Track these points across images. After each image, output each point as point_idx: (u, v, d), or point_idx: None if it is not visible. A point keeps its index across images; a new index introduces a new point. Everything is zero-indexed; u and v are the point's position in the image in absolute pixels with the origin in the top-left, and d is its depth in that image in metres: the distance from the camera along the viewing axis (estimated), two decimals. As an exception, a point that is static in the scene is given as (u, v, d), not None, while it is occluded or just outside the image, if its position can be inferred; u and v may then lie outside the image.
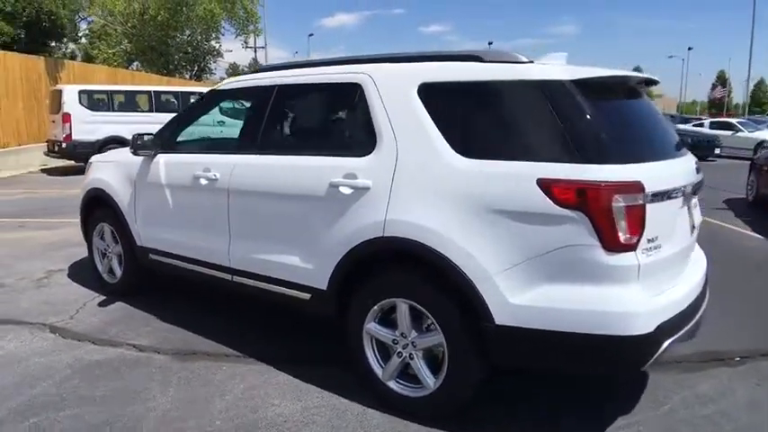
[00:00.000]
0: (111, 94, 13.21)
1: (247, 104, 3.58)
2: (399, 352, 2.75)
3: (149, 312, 4.20)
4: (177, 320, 4.01)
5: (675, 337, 2.38)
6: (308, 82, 3.25)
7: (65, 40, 18.07)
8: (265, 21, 36.84)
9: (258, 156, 3.29)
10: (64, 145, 12.41)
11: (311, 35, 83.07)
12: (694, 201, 2.85)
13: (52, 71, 15.88)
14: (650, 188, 2.28)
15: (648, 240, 2.30)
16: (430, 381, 2.67)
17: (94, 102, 12.79)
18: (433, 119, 2.61)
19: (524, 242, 2.33)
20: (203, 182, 3.51)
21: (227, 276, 3.51)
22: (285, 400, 2.95)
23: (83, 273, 5.04)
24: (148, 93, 13.68)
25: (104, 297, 4.53)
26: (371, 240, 2.69)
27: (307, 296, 3.06)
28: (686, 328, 2.48)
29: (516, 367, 2.62)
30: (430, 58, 2.79)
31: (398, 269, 2.71)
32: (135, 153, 3.90)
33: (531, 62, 2.52)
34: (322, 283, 2.94)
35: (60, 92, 12.52)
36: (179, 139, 3.99)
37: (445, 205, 2.49)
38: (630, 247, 2.24)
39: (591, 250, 2.23)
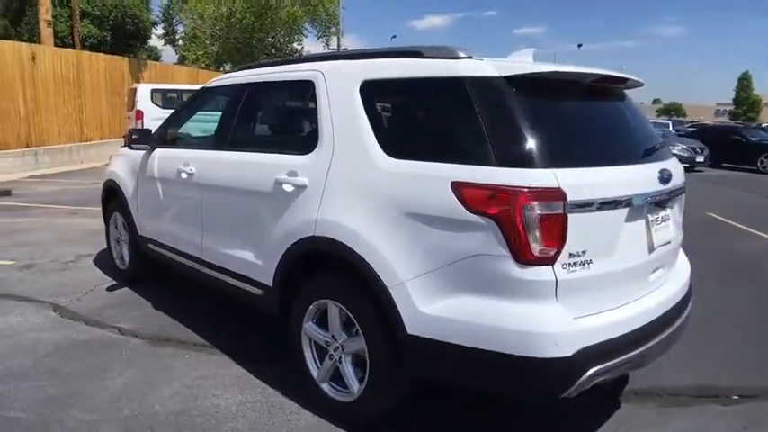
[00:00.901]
0: (180, 92, 14.07)
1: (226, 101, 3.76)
2: (331, 354, 2.77)
3: (147, 298, 4.48)
4: (168, 308, 4.25)
5: (609, 364, 2.18)
6: (272, 80, 3.35)
7: (148, 41, 19.41)
8: (341, 24, 37.60)
9: (225, 152, 3.44)
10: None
11: (394, 37, 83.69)
12: (664, 213, 2.61)
13: (134, 71, 17.20)
14: (576, 196, 2.11)
15: (571, 255, 2.13)
16: (355, 386, 2.66)
17: (166, 100, 13.69)
18: (368, 117, 2.61)
19: (437, 249, 2.25)
20: (183, 176, 3.71)
21: (201, 268, 3.67)
22: (227, 392, 3.05)
23: (105, 259, 5.43)
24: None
25: (114, 282, 4.88)
26: (305, 239, 2.73)
27: (259, 291, 3.14)
28: (628, 356, 2.26)
29: (436, 381, 2.53)
30: (376, 54, 2.78)
31: (328, 270, 2.73)
32: (130, 147, 4.17)
33: (470, 57, 2.39)
34: (269, 279, 3.02)
35: (135, 90, 13.53)
36: (173, 134, 4.22)
37: (367, 206, 2.47)
38: (546, 261, 2.09)
39: (502, 262, 2.10)
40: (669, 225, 2.64)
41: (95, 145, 15.24)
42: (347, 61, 2.89)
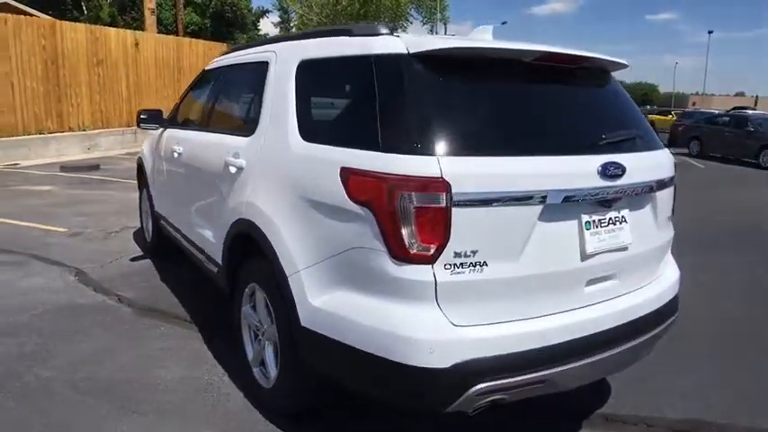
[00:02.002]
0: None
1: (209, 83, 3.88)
2: (260, 339, 2.77)
3: (159, 271, 4.75)
4: (173, 282, 4.47)
5: (502, 383, 1.95)
6: (238, 62, 3.40)
7: (258, 28, 20.46)
8: (448, 9, 37.08)
9: (198, 132, 3.56)
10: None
11: (504, 23, 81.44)
12: (615, 214, 2.26)
13: (234, 56, 18.19)
14: (463, 188, 1.88)
15: (457, 254, 1.90)
16: (272, 373, 2.64)
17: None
18: (295, 98, 2.55)
19: (326, 238, 2.15)
20: (175, 155, 3.88)
21: (187, 245, 3.83)
22: (178, 366, 3.15)
23: (143, 232, 5.84)
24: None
25: (140, 254, 5.23)
26: (237, 221, 2.74)
27: (215, 269, 3.22)
28: (532, 376, 2.00)
29: (334, 381, 2.36)
30: (318, 34, 2.70)
31: (256, 253, 2.72)
32: (139, 126, 4.42)
33: (390, 34, 2.21)
34: (220, 259, 3.08)
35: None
36: (180, 115, 4.41)
37: (279, 191, 2.43)
38: (425, 260, 1.88)
39: (378, 257, 1.94)
40: (624, 228, 2.28)
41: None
42: (295, 41, 2.84)
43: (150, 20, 14.95)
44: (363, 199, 1.98)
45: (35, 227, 6.09)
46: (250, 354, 2.88)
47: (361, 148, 2.05)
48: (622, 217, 2.28)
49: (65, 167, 10.24)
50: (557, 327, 2.08)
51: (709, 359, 3.48)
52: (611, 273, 2.27)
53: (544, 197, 2.02)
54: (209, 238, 3.24)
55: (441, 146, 1.92)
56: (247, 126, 2.98)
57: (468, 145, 1.98)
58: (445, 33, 40.92)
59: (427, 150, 1.90)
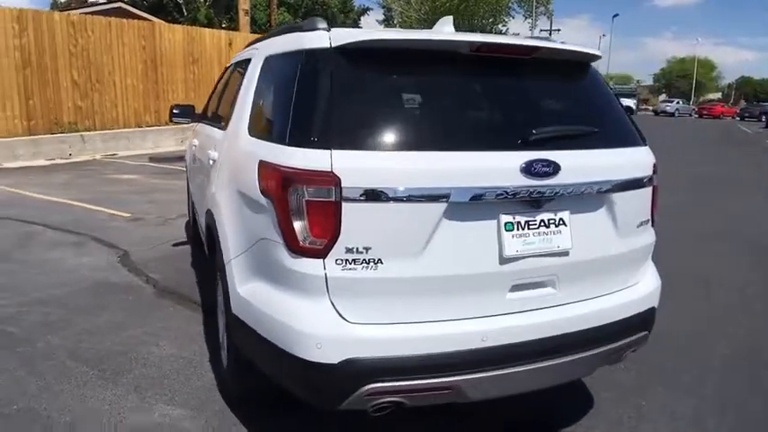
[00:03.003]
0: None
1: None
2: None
3: (192, 257, 5.09)
4: (199, 267, 4.78)
5: (395, 385, 1.92)
6: (239, 59, 3.57)
7: (338, 26, 21.11)
8: (552, 3, 35.69)
9: (205, 125, 3.79)
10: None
11: (616, 15, 77.42)
12: (549, 216, 2.10)
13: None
14: (356, 183, 1.86)
15: (349, 250, 1.89)
16: (225, 358, 2.77)
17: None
18: (254, 94, 2.67)
19: (248, 229, 2.25)
20: (193, 148, 4.17)
21: (201, 233, 4.09)
22: (171, 344, 3.38)
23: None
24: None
25: (184, 239, 5.63)
26: (207, 211, 2.92)
27: (207, 254, 3.42)
28: (432, 382, 1.95)
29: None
30: (285, 30, 2.77)
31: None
32: (171, 120, 4.75)
33: (326, 29, 2.23)
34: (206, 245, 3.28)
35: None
36: (204, 109, 4.69)
37: (228, 183, 2.57)
38: (316, 253, 1.90)
39: (277, 249, 1.98)
40: (561, 232, 2.12)
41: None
42: (271, 38, 2.95)
43: (244, 20, 15.83)
44: (267, 191, 2.04)
45: (105, 211, 6.73)
46: (221, 337, 3.04)
47: (276, 142, 2.12)
48: (560, 219, 2.12)
49: (153, 158, 11.17)
50: (469, 332, 2.00)
51: None
52: (545, 279, 2.14)
53: (447, 195, 1.93)
54: (202, 226, 3.46)
55: (338, 140, 1.91)
56: (224, 120, 3.14)
57: (368, 139, 1.95)
58: (550, 27, 39.55)
59: (323, 144, 1.91)
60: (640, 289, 2.43)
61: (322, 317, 1.93)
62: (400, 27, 39.36)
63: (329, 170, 1.86)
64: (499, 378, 2.04)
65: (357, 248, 1.89)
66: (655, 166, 2.46)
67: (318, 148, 1.91)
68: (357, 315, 1.94)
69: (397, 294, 1.96)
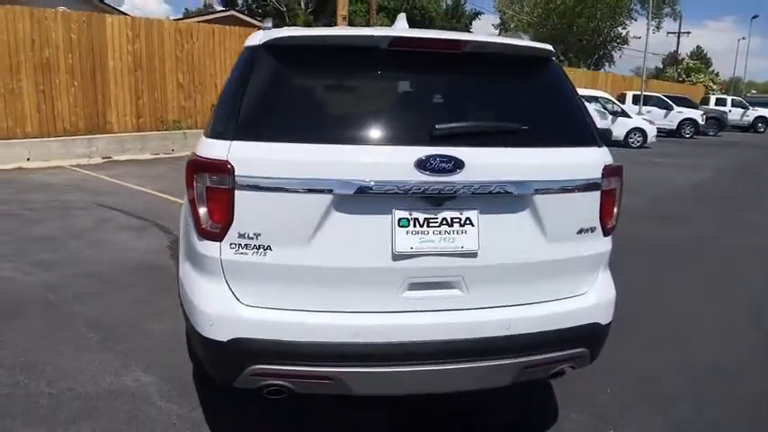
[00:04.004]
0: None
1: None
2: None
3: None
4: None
5: (277, 368, 2.00)
6: None
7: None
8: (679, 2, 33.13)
9: None
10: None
11: (755, 17, 70.15)
12: (452, 214, 2.02)
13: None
14: (247, 172, 1.94)
15: (241, 235, 1.98)
16: None
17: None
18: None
19: (184, 216, 2.42)
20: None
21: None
22: (172, 323, 3.61)
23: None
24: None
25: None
26: None
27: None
28: (315, 370, 2.00)
29: None
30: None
31: None
32: None
33: (268, 28, 2.35)
34: None
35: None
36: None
37: None
38: (214, 237, 2.01)
39: (192, 232, 2.13)
40: (467, 232, 2.04)
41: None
42: None
43: (341, 25, 16.39)
44: (186, 179, 2.17)
45: (175, 200, 7.35)
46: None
47: (203, 136, 2.27)
48: (466, 219, 2.04)
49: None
50: (355, 326, 2.01)
51: None
52: (451, 280, 2.08)
53: (330, 188, 1.95)
54: None
55: (242, 132, 2.02)
56: None
57: (268, 132, 2.03)
58: (678, 29, 36.85)
59: (227, 136, 2.02)
60: (582, 302, 2.26)
61: (217, 297, 2.06)
62: (515, 30, 38.61)
63: (225, 159, 1.98)
64: (387, 375, 2.04)
65: (248, 234, 1.99)
66: (611, 168, 2.26)
67: (223, 139, 2.04)
68: (249, 297, 2.04)
69: (285, 281, 2.03)
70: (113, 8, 21.13)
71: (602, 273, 2.36)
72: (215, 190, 2.00)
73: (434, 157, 1.98)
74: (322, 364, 2.00)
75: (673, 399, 2.99)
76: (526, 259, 2.15)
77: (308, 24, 19.56)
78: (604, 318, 2.30)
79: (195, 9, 30.85)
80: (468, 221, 2.04)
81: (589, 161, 2.24)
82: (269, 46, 2.18)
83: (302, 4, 20.61)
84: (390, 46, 2.15)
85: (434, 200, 2.01)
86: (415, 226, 2.01)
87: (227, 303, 2.04)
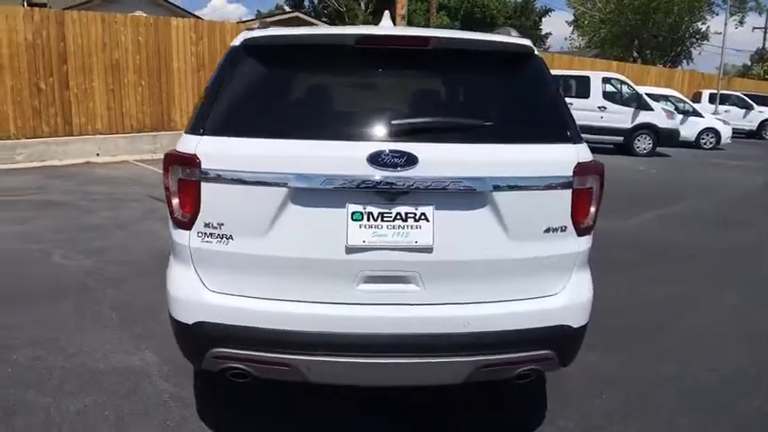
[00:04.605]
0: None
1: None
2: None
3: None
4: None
5: (237, 352, 2.09)
6: None
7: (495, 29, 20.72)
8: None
9: None
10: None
11: None
12: (406, 209, 2.03)
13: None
14: (212, 165, 2.06)
15: (207, 224, 2.10)
16: None
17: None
18: None
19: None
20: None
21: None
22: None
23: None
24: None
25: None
26: None
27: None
28: (272, 356, 2.07)
29: None
30: None
31: None
32: None
33: (251, 29, 2.47)
34: None
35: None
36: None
37: None
38: (184, 226, 2.15)
39: (169, 220, 2.26)
40: (421, 227, 2.04)
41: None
42: None
43: (400, 25, 16.49)
44: (164, 171, 2.29)
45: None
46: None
47: None
48: (421, 214, 2.05)
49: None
50: (311, 315, 2.08)
51: None
52: (406, 275, 2.09)
53: (285, 181, 2.02)
54: None
55: (211, 128, 2.14)
56: None
57: (234, 127, 2.14)
58: (765, 24, 34.34)
59: (198, 131, 2.16)
60: (550, 303, 2.21)
61: (186, 282, 2.19)
62: (587, 27, 37.29)
63: (194, 153, 2.11)
64: (341, 366, 2.09)
65: (213, 224, 2.11)
66: (585, 166, 2.20)
67: (195, 134, 2.17)
68: (214, 284, 2.16)
69: (246, 269, 2.13)
70: (187, 11, 22.26)
71: (577, 274, 2.28)
72: (185, 182, 2.14)
73: (387, 152, 2.01)
74: (278, 351, 2.08)
75: (671, 412, 2.87)
76: (486, 257, 2.14)
77: (366, 24, 19.79)
78: (575, 320, 2.24)
79: (267, 11, 31.86)
80: (423, 217, 2.06)
81: (558, 158, 2.18)
82: (246, 46, 2.29)
83: (362, 4, 20.90)
84: (358, 44, 2.20)
85: (388, 195, 2.04)
86: (368, 220, 2.05)
87: (194, 288, 2.17)
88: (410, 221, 2.06)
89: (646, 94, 15.05)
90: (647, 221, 6.96)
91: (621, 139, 14.40)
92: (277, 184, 2.04)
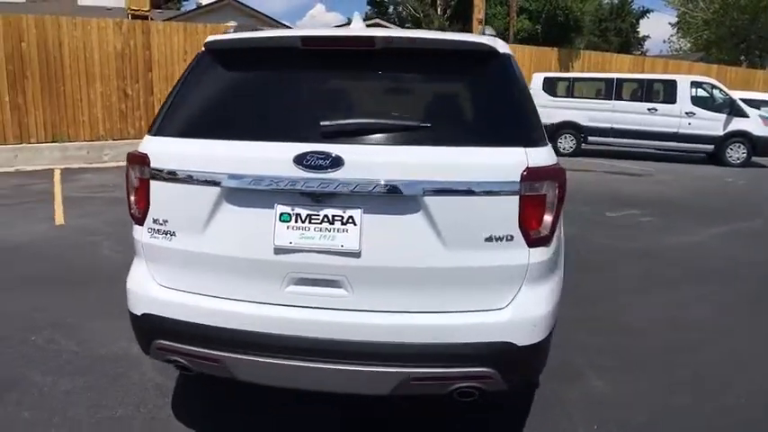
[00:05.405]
0: (572, 81, 14.30)
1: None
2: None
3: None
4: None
5: (174, 345, 2.16)
6: None
7: (583, 31, 19.57)
8: None
9: None
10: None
11: None
12: (333, 212, 2.01)
13: (565, 60, 18.14)
14: (158, 164, 2.15)
15: (155, 221, 2.19)
16: None
17: (556, 88, 14.21)
18: None
19: None
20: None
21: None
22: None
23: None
24: (610, 80, 13.98)
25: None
26: None
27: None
28: (204, 351, 2.12)
29: None
30: None
31: None
32: None
33: (229, 31, 2.54)
34: None
35: (530, 79, 14.60)
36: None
37: None
38: (138, 221, 2.25)
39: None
40: (348, 231, 2.00)
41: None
42: None
43: (477, 30, 16.21)
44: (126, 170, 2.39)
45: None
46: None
47: None
48: (348, 218, 2.01)
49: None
50: (240, 314, 2.09)
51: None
52: (335, 279, 2.05)
53: (218, 180, 2.06)
54: None
55: (162, 128, 2.25)
56: None
57: (182, 128, 2.22)
58: None
59: (152, 132, 2.28)
60: (492, 317, 2.06)
61: (138, 275, 2.31)
62: (688, 28, 34.92)
63: (145, 153, 2.21)
64: (266, 366, 2.08)
65: (159, 220, 2.20)
66: (537, 171, 2.02)
67: (149, 134, 2.29)
68: (161, 278, 2.24)
69: (186, 265, 2.19)
70: (278, 22, 23.26)
71: (528, 288, 2.10)
72: (139, 180, 2.25)
73: (312, 153, 1.99)
74: (209, 347, 2.12)
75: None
76: (419, 264, 2.04)
77: (442, 29, 19.69)
78: (521, 338, 2.06)
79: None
80: (350, 220, 2.01)
81: (502, 163, 2.03)
82: (205, 50, 2.37)
83: (438, 9, 20.76)
84: (304, 45, 2.20)
85: (314, 196, 2.02)
86: (296, 221, 2.04)
87: (144, 281, 2.27)
88: (337, 224, 2.02)
89: (743, 99, 13.85)
90: (712, 238, 6.38)
91: (712, 147, 13.33)
92: (212, 184, 2.08)
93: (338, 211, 2.02)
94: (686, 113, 13.28)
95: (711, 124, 13.22)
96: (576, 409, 2.80)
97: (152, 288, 2.25)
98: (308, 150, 1.99)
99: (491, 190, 2.01)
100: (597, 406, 2.84)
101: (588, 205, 7.80)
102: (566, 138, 13.94)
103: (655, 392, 3.00)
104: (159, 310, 2.20)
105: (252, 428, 2.65)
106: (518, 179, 2.01)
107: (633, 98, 13.85)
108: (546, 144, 2.18)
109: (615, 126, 13.50)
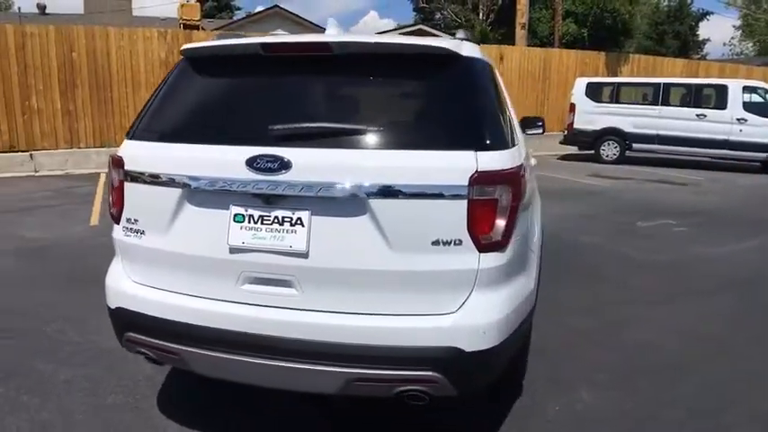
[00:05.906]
0: (617, 86, 13.91)
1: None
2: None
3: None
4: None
5: (140, 338, 2.30)
6: None
7: (633, 34, 18.93)
8: None
9: None
10: (566, 133, 14.22)
11: None
12: (284, 213, 2.08)
13: (612, 65, 17.67)
14: (130, 166, 2.31)
15: (128, 219, 2.34)
16: None
17: (600, 93, 13.85)
18: None
19: None
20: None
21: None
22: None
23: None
24: (656, 85, 13.53)
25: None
26: None
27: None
28: (164, 344, 2.24)
29: None
30: None
31: None
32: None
33: (211, 38, 2.70)
34: None
35: (573, 84, 14.30)
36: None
37: None
38: (115, 220, 2.42)
39: None
40: (296, 232, 2.07)
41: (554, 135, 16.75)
42: None
43: (520, 33, 16.08)
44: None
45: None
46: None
47: None
48: (297, 219, 2.08)
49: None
50: (197, 310, 2.20)
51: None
52: (285, 279, 2.12)
53: (179, 182, 2.19)
54: None
55: (136, 132, 2.41)
56: None
57: (153, 132, 2.38)
58: None
59: (131, 136, 2.43)
60: (439, 321, 2.07)
61: (114, 270, 2.48)
62: (751, 31, 33.44)
63: (121, 156, 2.39)
64: (219, 361, 2.18)
65: (132, 219, 2.35)
66: (487, 175, 2.03)
67: (126, 138, 2.46)
68: (135, 274, 2.39)
69: (152, 262, 2.33)
70: (324, 29, 23.67)
71: (479, 293, 2.09)
72: (116, 180, 2.41)
73: (262, 156, 2.08)
74: (170, 341, 2.25)
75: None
76: (365, 266, 2.09)
77: (484, 34, 19.49)
78: (470, 344, 2.06)
79: (406, 23, 32.77)
80: (299, 221, 2.09)
81: (450, 166, 2.04)
82: (184, 57, 2.52)
83: (480, 14, 20.59)
84: (265, 52, 2.30)
85: (266, 198, 2.11)
86: (249, 222, 2.13)
87: (118, 276, 2.44)
88: (286, 225, 2.10)
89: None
90: (746, 250, 6.09)
91: (765, 155, 12.71)
92: (175, 185, 2.22)
93: (288, 213, 2.10)
94: (737, 120, 12.71)
95: (765, 131, 12.60)
96: (555, 422, 2.77)
97: (125, 284, 2.40)
98: (259, 153, 2.09)
99: (438, 193, 2.03)
100: (581, 422, 2.80)
101: (620, 214, 7.60)
102: (609, 144, 13.55)
103: (643, 408, 2.93)
104: (130, 304, 2.34)
105: (234, 425, 2.75)
106: (466, 183, 2.02)
107: (681, 104, 13.36)
108: (506, 148, 2.19)
109: (661, 133, 13.03)
